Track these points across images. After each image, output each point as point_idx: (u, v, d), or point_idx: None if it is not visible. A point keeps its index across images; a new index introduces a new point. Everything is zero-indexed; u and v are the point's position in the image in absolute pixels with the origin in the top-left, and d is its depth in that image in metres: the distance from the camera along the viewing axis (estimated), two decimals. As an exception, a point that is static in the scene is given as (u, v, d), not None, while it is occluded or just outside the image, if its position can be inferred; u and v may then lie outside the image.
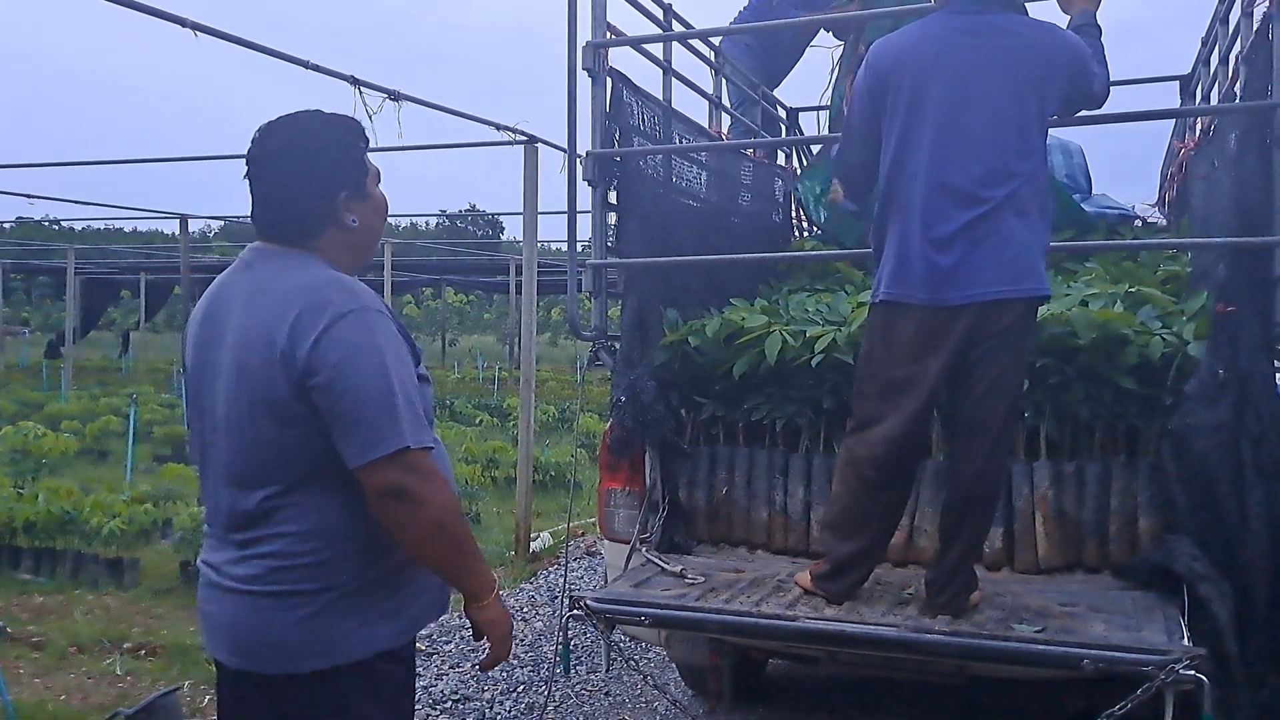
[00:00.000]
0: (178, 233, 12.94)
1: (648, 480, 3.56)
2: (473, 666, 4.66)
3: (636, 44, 3.91)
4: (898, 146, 2.72)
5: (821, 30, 5.32)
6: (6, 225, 23.21)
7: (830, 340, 3.37)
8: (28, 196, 10.68)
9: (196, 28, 3.95)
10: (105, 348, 29.75)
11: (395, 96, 5.27)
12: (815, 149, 5.83)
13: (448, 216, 41.82)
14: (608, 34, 3.64)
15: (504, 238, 40.41)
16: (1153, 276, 3.78)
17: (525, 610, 5.67)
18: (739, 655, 3.64)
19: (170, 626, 5.24)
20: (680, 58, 4.34)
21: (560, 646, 3.06)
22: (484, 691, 4.38)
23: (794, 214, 5.79)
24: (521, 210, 6.75)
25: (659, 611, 2.88)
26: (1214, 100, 4.38)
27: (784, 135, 6.06)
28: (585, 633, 4.83)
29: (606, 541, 3.63)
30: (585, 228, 3.85)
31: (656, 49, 4.13)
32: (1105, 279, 3.77)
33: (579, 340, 3.84)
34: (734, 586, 3.05)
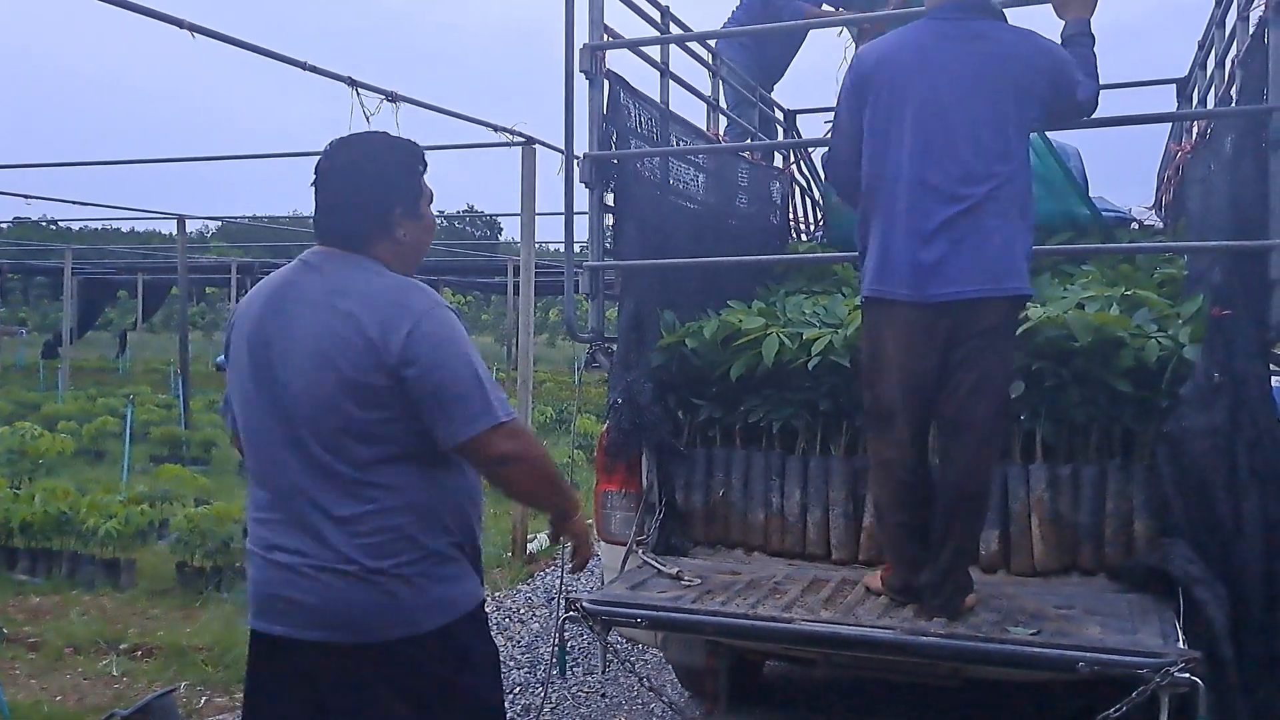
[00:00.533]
0: (175, 233, 12.91)
1: (644, 482, 3.56)
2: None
3: (634, 46, 3.91)
4: (879, 146, 2.77)
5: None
6: (4, 225, 23.18)
7: (827, 343, 3.37)
8: (25, 196, 10.67)
9: (194, 29, 3.95)
10: (102, 348, 29.70)
11: (393, 98, 5.27)
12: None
13: (446, 217, 41.76)
14: (605, 36, 3.64)
15: (502, 238, 40.44)
16: (1149, 279, 3.79)
17: (522, 612, 5.67)
18: (735, 657, 3.63)
19: (167, 627, 5.24)
20: (677, 60, 4.35)
21: (557, 648, 3.05)
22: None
23: (791, 216, 5.80)
24: (519, 211, 6.75)
25: (655, 613, 2.89)
26: (1211, 103, 4.39)
27: (782, 137, 6.06)
28: (582, 635, 4.83)
29: (603, 543, 3.63)
30: (583, 229, 3.85)
31: (654, 51, 4.13)
32: (1102, 282, 3.78)
33: (576, 342, 3.84)
34: (730, 588, 3.06)
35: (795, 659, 3.47)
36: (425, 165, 2.08)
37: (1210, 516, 2.74)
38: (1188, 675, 2.31)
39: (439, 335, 1.89)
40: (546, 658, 4.70)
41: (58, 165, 9.87)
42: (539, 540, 7.10)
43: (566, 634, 3.01)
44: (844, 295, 4.04)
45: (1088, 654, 2.43)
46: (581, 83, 3.57)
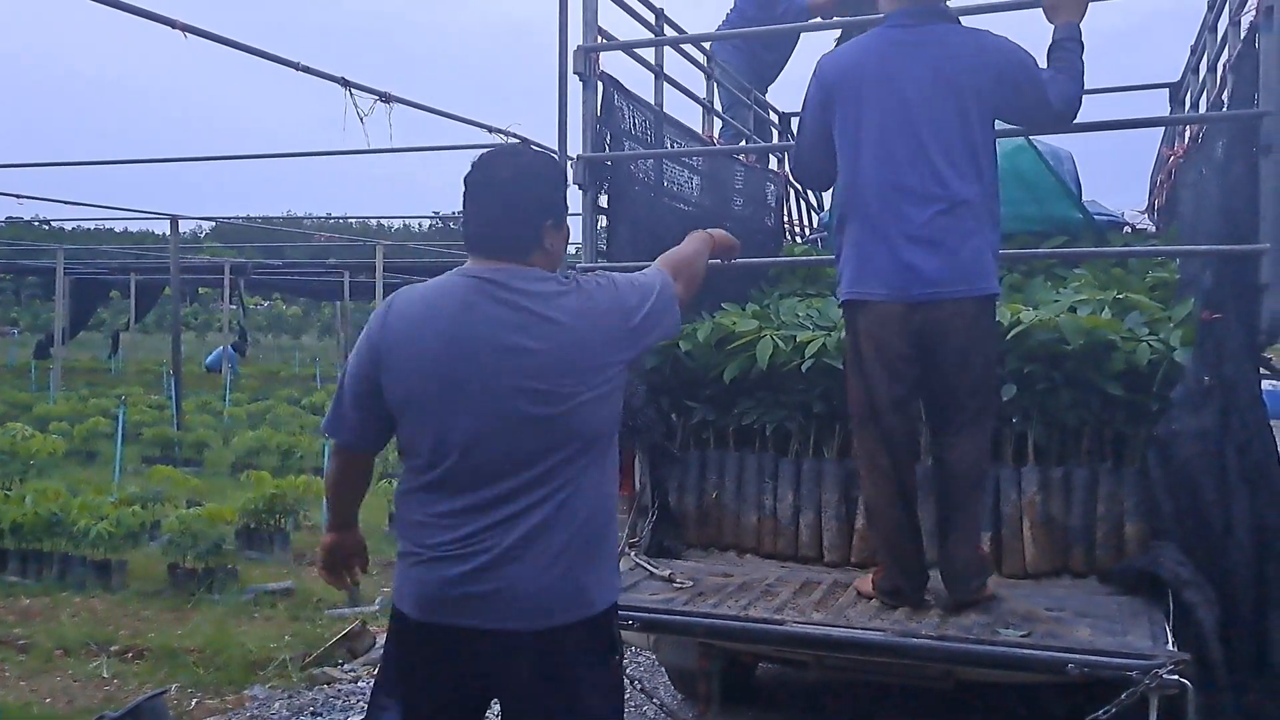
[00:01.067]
0: (168, 233, 12.88)
1: (637, 484, 3.56)
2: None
3: (628, 48, 3.92)
4: (851, 155, 2.84)
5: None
6: (-4, 225, 23.09)
7: (820, 345, 3.38)
8: (17, 196, 10.64)
9: (186, 29, 3.94)
10: (95, 348, 29.61)
11: (386, 99, 5.26)
12: None
13: (441, 218, 41.78)
14: (599, 38, 3.64)
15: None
16: (1141, 283, 3.80)
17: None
18: (728, 659, 3.64)
19: (158, 629, 5.22)
20: (672, 61, 4.35)
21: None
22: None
23: (786, 218, 5.80)
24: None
25: (647, 615, 2.89)
26: (1203, 108, 4.41)
27: (776, 140, 6.07)
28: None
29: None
30: (577, 231, 3.85)
31: (648, 53, 4.14)
32: (1094, 285, 3.79)
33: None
34: (722, 590, 3.06)
35: (788, 661, 3.47)
36: (567, 182, 2.31)
37: (1200, 519, 2.76)
38: (1176, 677, 2.32)
39: (652, 298, 2.13)
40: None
41: (51, 165, 9.88)
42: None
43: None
44: (837, 298, 4.04)
45: (1077, 656, 2.44)
46: (575, 84, 3.57)
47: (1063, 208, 4.48)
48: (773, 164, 5.74)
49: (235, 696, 4.42)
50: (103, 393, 16.43)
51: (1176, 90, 5.35)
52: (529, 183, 2.06)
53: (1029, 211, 4.35)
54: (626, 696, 4.43)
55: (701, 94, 4.82)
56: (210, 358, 23.75)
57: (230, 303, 21.42)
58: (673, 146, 4.28)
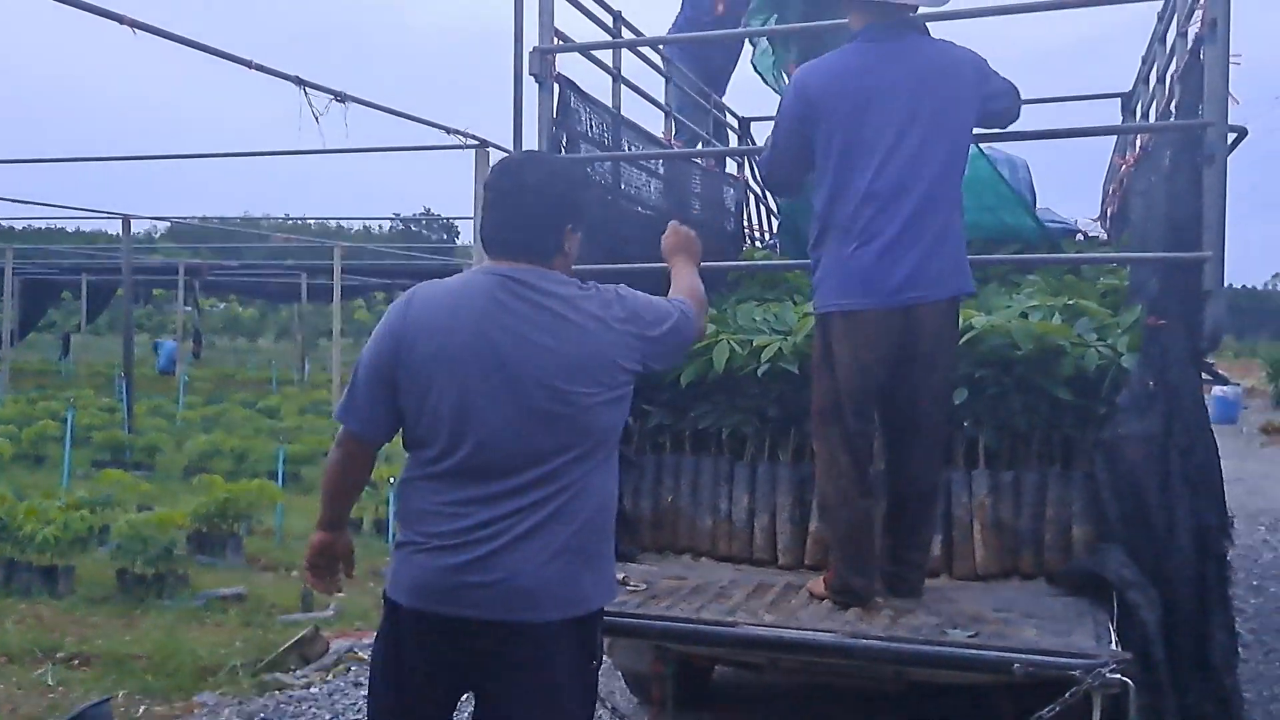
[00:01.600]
0: (120, 233, 12.66)
1: (593, 487, 3.54)
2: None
3: (584, 50, 3.91)
4: (833, 168, 2.86)
5: None
6: (-57, 224, 22.55)
7: (776, 350, 3.40)
8: (-36, 194, 10.39)
9: (134, 24, 3.86)
10: (45, 350, 29.03)
11: (342, 98, 5.21)
12: None
13: (402, 220, 41.46)
14: (555, 40, 3.63)
15: (459, 242, 40.13)
16: (1093, 290, 3.86)
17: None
18: (682, 662, 3.64)
19: (105, 636, 5.12)
20: (630, 65, 4.35)
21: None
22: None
23: (745, 223, 5.82)
24: (474, 214, 6.71)
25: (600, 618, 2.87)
26: (1152, 118, 4.49)
27: (735, 144, 6.09)
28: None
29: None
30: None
31: (605, 55, 4.13)
32: (1046, 292, 3.84)
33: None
34: (676, 593, 3.06)
35: (743, 664, 3.47)
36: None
37: (1144, 521, 2.80)
38: (1119, 676, 2.35)
39: (665, 314, 2.24)
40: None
41: (-1, 163, 9.63)
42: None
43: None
44: (795, 303, 4.06)
45: (1023, 655, 2.47)
46: (531, 86, 3.56)
47: (1016, 216, 4.54)
48: (731, 168, 5.76)
49: (185, 703, 4.35)
50: (52, 395, 16.10)
51: (1128, 100, 5.45)
52: (557, 187, 2.13)
53: (983, 220, 4.40)
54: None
55: (660, 97, 4.82)
56: (161, 361, 23.37)
57: (185, 304, 21.08)
58: (631, 149, 4.28)
